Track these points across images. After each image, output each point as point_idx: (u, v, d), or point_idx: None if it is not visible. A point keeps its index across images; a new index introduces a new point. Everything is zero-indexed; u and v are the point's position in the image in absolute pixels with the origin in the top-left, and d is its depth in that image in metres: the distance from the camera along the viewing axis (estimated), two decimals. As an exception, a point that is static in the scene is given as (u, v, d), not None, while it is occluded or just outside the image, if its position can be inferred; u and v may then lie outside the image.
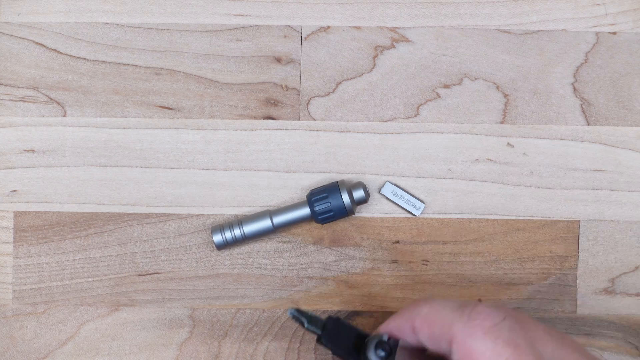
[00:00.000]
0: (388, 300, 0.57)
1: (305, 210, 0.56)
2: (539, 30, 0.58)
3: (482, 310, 0.42)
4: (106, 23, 0.58)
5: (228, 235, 0.55)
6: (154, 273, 0.57)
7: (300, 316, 0.45)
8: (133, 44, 0.58)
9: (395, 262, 0.57)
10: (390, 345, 0.44)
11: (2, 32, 0.58)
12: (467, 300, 0.56)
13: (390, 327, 0.45)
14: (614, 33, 0.57)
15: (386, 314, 0.56)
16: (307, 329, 0.45)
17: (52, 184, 0.57)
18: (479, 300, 0.57)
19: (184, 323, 0.57)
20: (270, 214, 0.56)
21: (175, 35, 0.58)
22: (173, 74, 0.58)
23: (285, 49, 0.58)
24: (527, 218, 0.57)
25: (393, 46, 0.58)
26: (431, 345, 0.43)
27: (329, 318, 0.45)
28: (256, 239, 0.57)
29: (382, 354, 0.43)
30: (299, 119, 0.57)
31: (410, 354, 0.45)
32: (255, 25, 0.58)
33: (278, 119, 0.57)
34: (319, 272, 0.57)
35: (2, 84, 0.57)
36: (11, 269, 0.57)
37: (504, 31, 0.58)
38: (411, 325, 0.44)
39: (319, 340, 0.45)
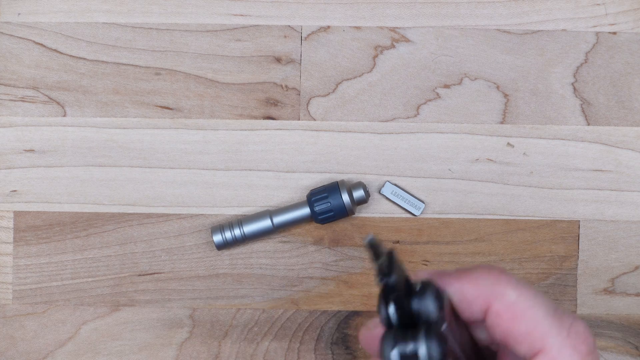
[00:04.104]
0: (388, 300, 0.57)
1: (305, 210, 0.56)
2: (539, 30, 0.58)
3: (582, 331, 0.37)
4: (106, 23, 0.58)
5: (228, 235, 0.55)
6: (154, 273, 0.57)
7: (376, 249, 0.36)
8: (133, 44, 0.58)
9: (395, 262, 0.57)
10: (441, 297, 0.37)
11: (2, 32, 0.58)
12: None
13: (452, 288, 0.38)
14: (614, 33, 0.57)
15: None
16: (379, 266, 0.36)
17: (52, 184, 0.57)
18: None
19: (184, 323, 0.57)
20: (270, 214, 0.56)
21: (175, 35, 0.58)
22: (173, 74, 0.58)
23: (285, 49, 0.58)
24: (527, 218, 0.57)
25: (393, 46, 0.58)
26: (499, 336, 0.38)
27: (389, 254, 0.37)
28: (256, 239, 0.57)
29: (438, 304, 0.37)
30: (299, 119, 0.57)
31: (451, 314, 0.38)
32: (255, 25, 0.58)
33: (278, 119, 0.57)
34: (319, 272, 0.57)
35: (2, 84, 0.57)
36: (11, 269, 0.57)
37: (504, 31, 0.58)
38: (485, 304, 0.38)
39: (383, 280, 0.36)
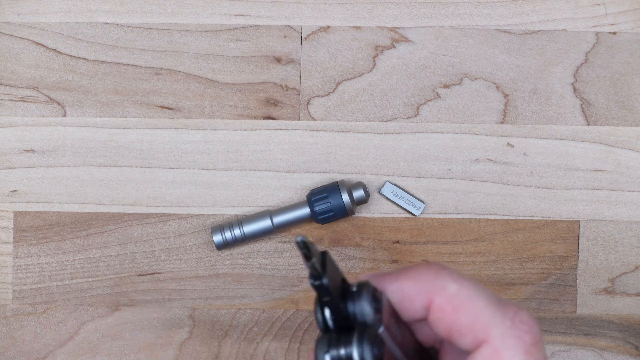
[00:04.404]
0: (388, 300, 0.57)
1: (305, 210, 0.56)
2: (539, 30, 0.58)
3: (526, 321, 0.36)
4: (106, 23, 0.58)
5: (228, 235, 0.55)
6: (154, 273, 0.57)
7: (307, 249, 0.34)
8: (133, 44, 0.58)
9: (395, 262, 0.57)
10: (378, 299, 0.36)
11: (2, 32, 0.58)
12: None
13: (392, 287, 0.37)
14: (614, 33, 0.57)
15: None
16: (311, 267, 0.35)
17: (52, 184, 0.57)
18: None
19: (184, 323, 0.57)
20: (270, 214, 0.56)
21: (175, 35, 0.58)
22: (173, 74, 0.58)
23: (285, 49, 0.58)
24: (527, 218, 0.57)
25: (393, 46, 0.58)
26: (442, 331, 0.37)
27: (323, 254, 0.35)
28: (256, 239, 0.57)
29: (375, 305, 0.35)
30: (299, 119, 0.57)
31: (390, 315, 0.37)
32: (255, 25, 0.58)
33: (278, 119, 0.57)
34: (319, 272, 0.57)
35: (2, 84, 0.57)
36: (11, 269, 0.57)
37: (504, 31, 0.58)
38: (427, 299, 0.37)
39: (316, 282, 0.35)
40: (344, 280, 0.36)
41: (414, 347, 0.39)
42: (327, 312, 0.35)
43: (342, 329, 0.35)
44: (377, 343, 0.34)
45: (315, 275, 0.34)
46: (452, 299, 0.36)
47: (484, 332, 0.36)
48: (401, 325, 0.38)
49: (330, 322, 0.35)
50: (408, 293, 0.37)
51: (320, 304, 0.35)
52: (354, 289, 0.35)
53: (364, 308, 0.35)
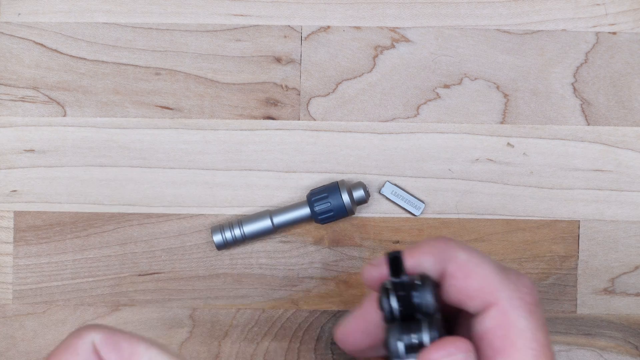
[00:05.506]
0: (388, 300, 0.57)
1: (305, 210, 0.56)
2: (539, 30, 0.58)
3: (527, 284, 0.40)
4: (106, 23, 0.58)
5: (228, 235, 0.55)
6: (154, 273, 0.57)
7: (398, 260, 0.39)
8: (133, 44, 0.58)
9: (395, 262, 0.57)
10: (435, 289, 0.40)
11: (2, 32, 0.58)
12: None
13: (411, 263, 0.41)
14: (614, 33, 0.57)
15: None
16: (391, 264, 0.40)
17: (52, 184, 0.57)
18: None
19: (184, 323, 0.57)
20: (270, 214, 0.56)
21: (175, 35, 0.58)
22: (173, 74, 0.58)
23: (285, 49, 0.58)
24: (527, 218, 0.57)
25: (393, 46, 0.58)
26: (454, 297, 0.40)
27: (399, 257, 0.40)
28: (256, 239, 0.57)
29: (435, 296, 0.40)
30: (299, 119, 0.57)
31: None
32: (255, 25, 0.58)
33: (278, 119, 0.57)
34: (319, 272, 0.57)
35: (2, 84, 0.57)
36: (11, 269, 0.57)
37: (504, 31, 0.58)
38: (441, 269, 0.41)
39: (397, 280, 0.40)
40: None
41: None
42: (394, 304, 0.39)
43: (404, 318, 0.39)
44: (439, 329, 0.39)
45: (395, 272, 0.39)
46: (463, 266, 0.40)
47: (492, 295, 0.39)
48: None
49: (397, 313, 0.39)
50: (425, 267, 0.41)
51: (395, 296, 0.39)
52: (418, 282, 0.40)
53: (427, 299, 0.39)
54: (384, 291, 0.40)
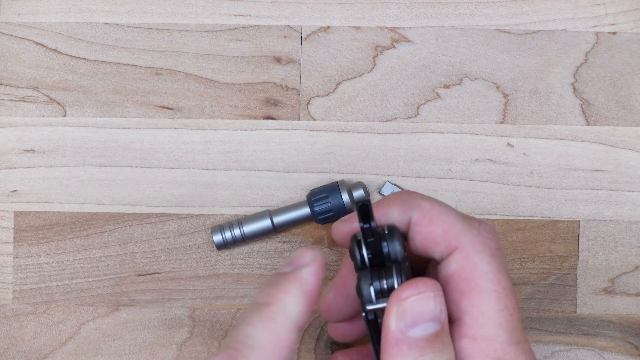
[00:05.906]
0: (388, 300, 0.57)
1: (305, 210, 0.56)
2: (539, 30, 0.58)
3: (489, 230, 0.42)
4: (106, 23, 0.58)
5: (228, 235, 0.55)
6: (154, 273, 0.57)
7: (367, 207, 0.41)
8: (133, 44, 0.58)
9: (395, 262, 0.57)
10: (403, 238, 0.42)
11: (2, 32, 0.58)
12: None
13: (379, 214, 0.43)
14: (614, 33, 0.57)
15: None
16: (362, 209, 0.41)
17: (52, 184, 0.57)
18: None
19: (184, 323, 0.57)
20: (270, 214, 0.56)
21: (175, 35, 0.58)
22: (173, 74, 0.58)
23: (285, 49, 0.58)
24: (527, 218, 0.57)
25: (393, 46, 0.58)
26: (420, 244, 0.42)
27: (367, 205, 0.41)
28: (256, 239, 0.57)
29: (403, 244, 0.42)
30: (299, 119, 0.57)
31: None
32: (255, 25, 0.58)
33: (278, 119, 0.57)
34: (319, 272, 0.57)
35: (2, 84, 0.57)
36: (11, 269, 0.57)
37: (504, 31, 0.58)
38: (407, 217, 0.43)
39: (366, 225, 0.41)
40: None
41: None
42: (364, 252, 0.41)
43: (373, 266, 0.41)
44: (408, 276, 0.41)
45: (365, 219, 0.40)
46: (427, 213, 0.42)
47: (455, 239, 0.41)
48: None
49: (367, 260, 0.41)
50: (393, 218, 0.43)
51: (365, 244, 0.41)
52: (386, 231, 0.41)
53: (395, 247, 0.41)
54: (355, 241, 0.41)
